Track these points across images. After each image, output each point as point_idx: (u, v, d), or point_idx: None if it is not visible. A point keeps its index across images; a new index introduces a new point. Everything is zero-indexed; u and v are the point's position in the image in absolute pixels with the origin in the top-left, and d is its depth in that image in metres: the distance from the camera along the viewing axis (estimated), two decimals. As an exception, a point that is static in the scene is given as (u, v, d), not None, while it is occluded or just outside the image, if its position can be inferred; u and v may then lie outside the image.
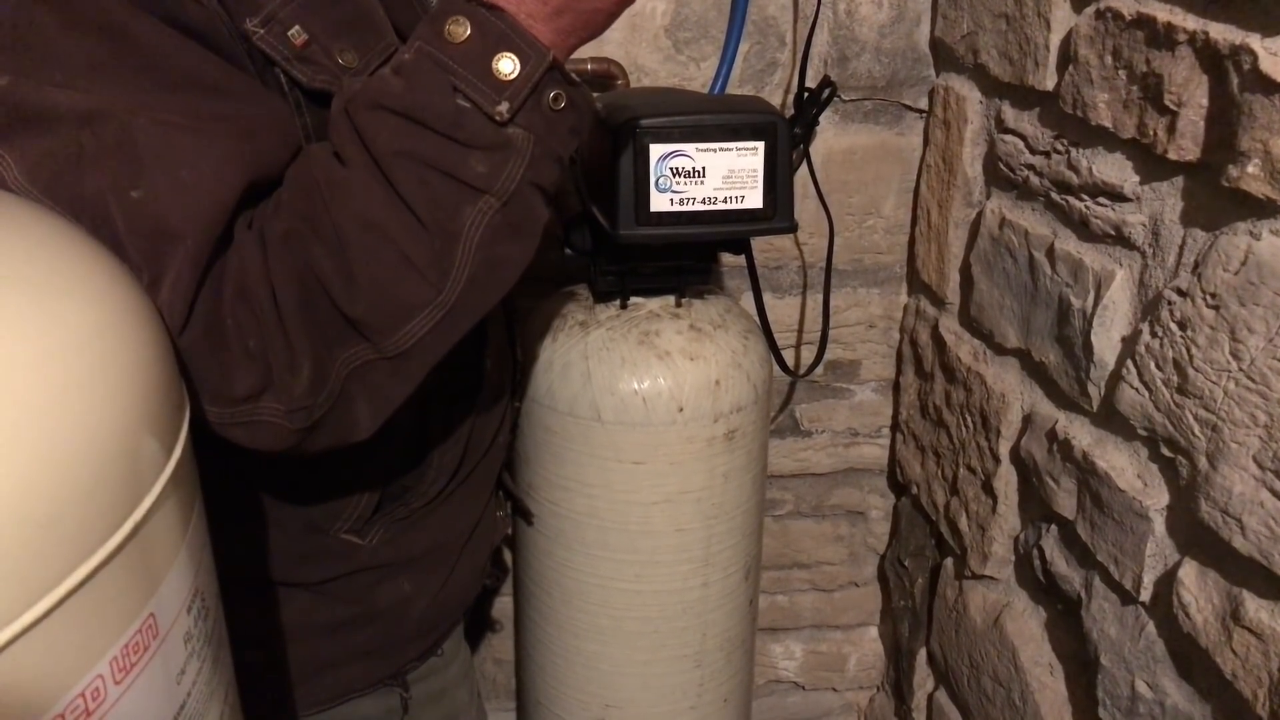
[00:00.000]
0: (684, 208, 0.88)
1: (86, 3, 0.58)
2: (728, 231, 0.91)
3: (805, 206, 1.32)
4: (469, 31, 0.60)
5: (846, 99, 1.30)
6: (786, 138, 0.89)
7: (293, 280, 0.60)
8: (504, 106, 0.60)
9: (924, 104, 1.31)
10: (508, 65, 0.60)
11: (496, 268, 0.63)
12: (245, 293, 0.59)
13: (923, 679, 1.46)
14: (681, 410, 0.99)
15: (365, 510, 0.79)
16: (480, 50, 0.60)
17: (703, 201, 0.88)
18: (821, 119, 1.27)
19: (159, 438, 0.46)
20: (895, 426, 1.50)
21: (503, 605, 1.53)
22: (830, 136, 1.32)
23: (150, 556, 0.43)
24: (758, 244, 1.33)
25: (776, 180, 0.89)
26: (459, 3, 0.60)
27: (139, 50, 0.59)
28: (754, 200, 0.89)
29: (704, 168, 0.87)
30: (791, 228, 0.92)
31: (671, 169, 0.86)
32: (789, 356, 1.44)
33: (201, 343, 0.58)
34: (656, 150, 0.86)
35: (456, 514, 0.88)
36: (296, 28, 0.64)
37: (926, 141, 1.32)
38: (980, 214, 1.19)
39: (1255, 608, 0.77)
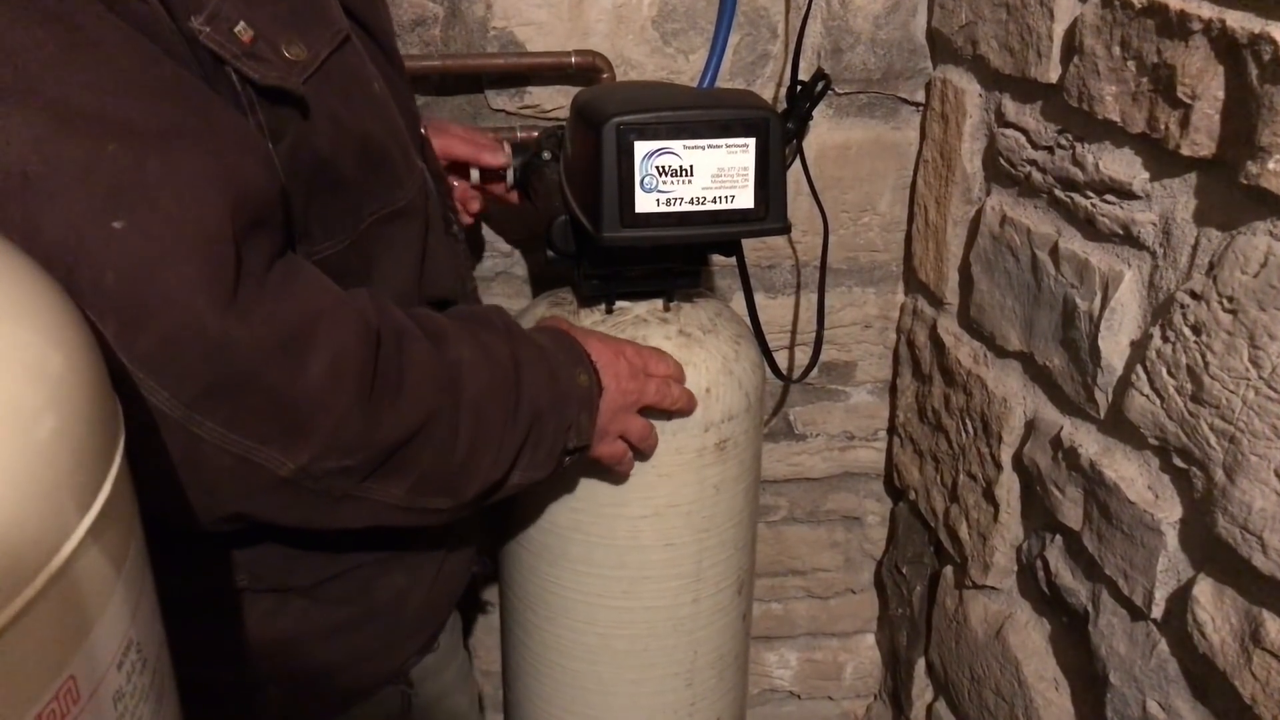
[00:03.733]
0: (671, 208, 0.83)
1: None
2: (717, 233, 0.87)
3: (799, 204, 1.28)
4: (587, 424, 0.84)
5: (840, 92, 1.26)
6: (779, 134, 0.84)
7: (407, 421, 0.68)
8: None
9: (921, 97, 1.26)
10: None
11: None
12: (340, 374, 0.63)
13: (921, 689, 1.42)
14: (670, 420, 0.94)
15: None
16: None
17: (691, 201, 0.83)
18: (815, 113, 1.23)
19: (85, 470, 0.41)
20: (892, 430, 1.46)
21: (490, 594, 1.49)
22: (824, 131, 1.27)
23: (71, 610, 0.39)
24: (750, 242, 1.28)
25: (769, 179, 0.84)
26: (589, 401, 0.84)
27: (96, 46, 0.55)
28: (745, 200, 0.84)
29: (692, 166, 0.82)
30: (784, 229, 0.87)
31: (657, 168, 0.82)
32: (783, 358, 1.40)
33: (262, 351, 0.59)
34: (641, 148, 0.81)
35: None
36: (242, 24, 0.60)
37: (923, 136, 1.28)
38: (980, 211, 1.15)
39: (1277, 629, 0.73)
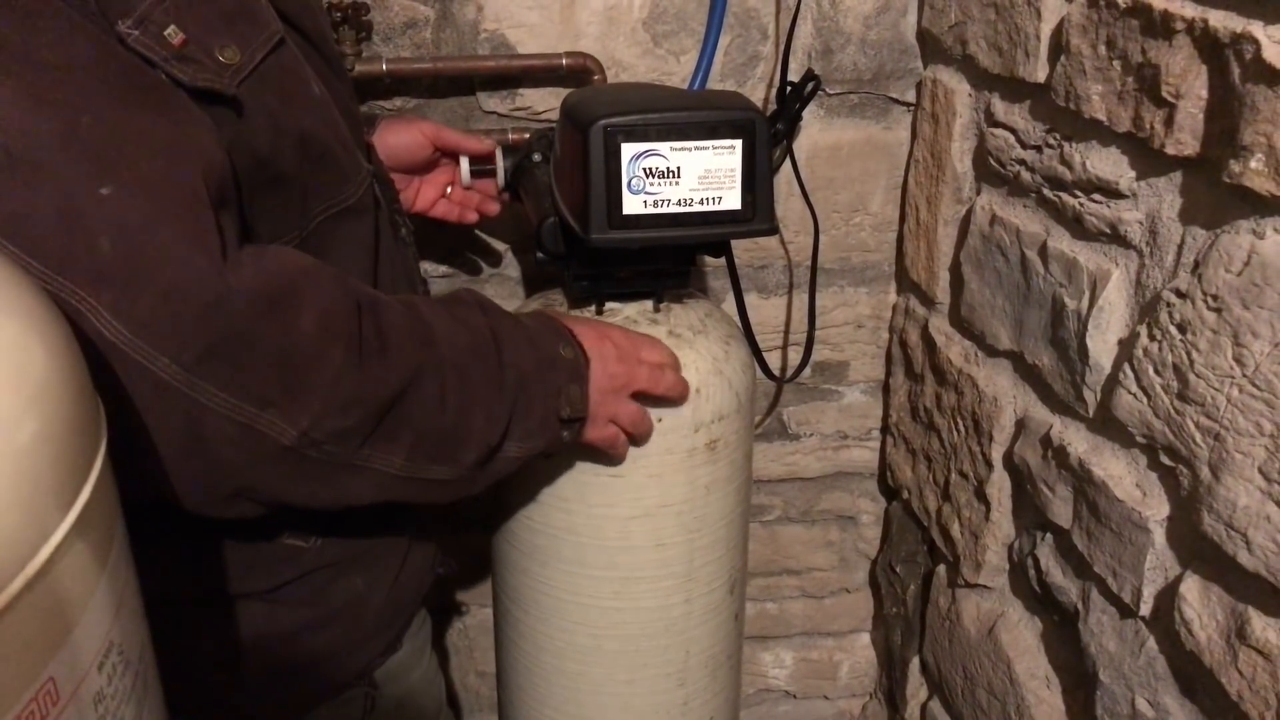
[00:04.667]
0: (658, 210, 0.84)
1: None
2: (705, 234, 0.87)
3: (790, 204, 1.28)
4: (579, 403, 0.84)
5: (831, 93, 1.26)
6: (765, 135, 0.84)
7: (394, 381, 0.69)
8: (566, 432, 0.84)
9: (911, 97, 1.27)
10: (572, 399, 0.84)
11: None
12: (330, 328, 0.64)
13: (916, 688, 1.43)
14: (660, 420, 0.94)
15: (306, 512, 0.76)
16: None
17: (678, 203, 0.84)
18: (806, 114, 1.23)
19: (66, 473, 0.41)
20: (885, 429, 1.46)
21: (466, 595, 1.50)
22: (815, 132, 1.28)
23: (51, 612, 0.39)
24: (741, 243, 1.29)
25: (756, 180, 0.85)
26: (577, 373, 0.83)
27: (53, 28, 0.56)
28: (732, 201, 0.85)
29: (679, 167, 0.83)
30: (772, 230, 0.87)
31: (644, 169, 0.82)
32: (775, 358, 1.40)
33: (258, 305, 0.60)
34: (628, 150, 0.81)
35: (401, 503, 0.85)
36: (172, 27, 0.61)
37: (914, 136, 1.28)
38: (970, 210, 1.15)
39: (1262, 626, 0.73)
